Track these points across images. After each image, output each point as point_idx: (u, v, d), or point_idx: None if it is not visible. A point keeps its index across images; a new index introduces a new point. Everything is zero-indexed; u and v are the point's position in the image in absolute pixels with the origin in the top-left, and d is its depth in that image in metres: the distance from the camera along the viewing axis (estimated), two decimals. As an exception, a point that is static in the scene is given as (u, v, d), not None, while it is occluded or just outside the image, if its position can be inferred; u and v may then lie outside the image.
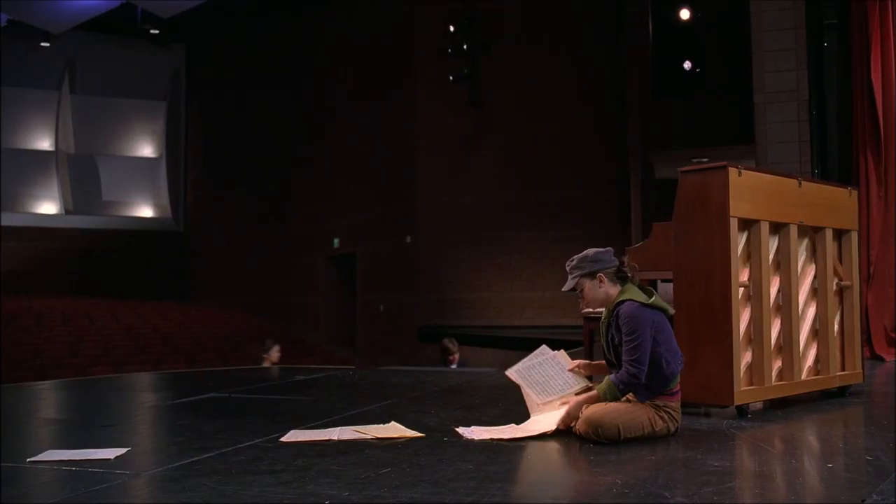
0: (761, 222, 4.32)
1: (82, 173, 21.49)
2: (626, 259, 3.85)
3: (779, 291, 4.51)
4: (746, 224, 4.30)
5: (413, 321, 15.25)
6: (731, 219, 4.10)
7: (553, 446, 3.51)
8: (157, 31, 19.16)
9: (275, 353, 8.60)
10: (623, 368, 3.59)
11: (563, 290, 3.87)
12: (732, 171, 4.13)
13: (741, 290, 4.25)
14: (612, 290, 3.78)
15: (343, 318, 17.79)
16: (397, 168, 16.15)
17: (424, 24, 15.49)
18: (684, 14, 12.68)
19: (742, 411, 4.14)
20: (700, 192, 4.21)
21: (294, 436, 3.76)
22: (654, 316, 3.69)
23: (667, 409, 3.64)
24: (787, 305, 4.50)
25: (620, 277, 3.79)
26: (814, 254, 4.80)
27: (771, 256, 4.46)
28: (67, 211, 21.30)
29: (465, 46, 14.37)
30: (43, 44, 19.49)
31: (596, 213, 13.42)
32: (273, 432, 3.83)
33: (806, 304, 4.71)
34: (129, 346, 13.97)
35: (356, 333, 17.43)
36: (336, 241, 17.98)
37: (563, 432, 3.66)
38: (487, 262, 14.68)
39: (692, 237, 4.22)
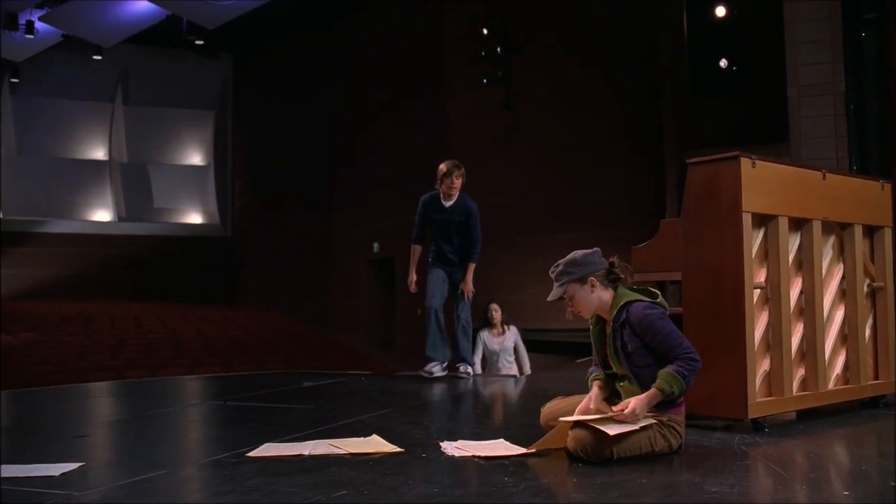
0: (779, 217, 3.83)
1: (134, 181, 21.60)
2: (615, 260, 3.40)
3: (801, 293, 4.01)
4: (762, 220, 3.81)
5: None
6: (743, 214, 3.62)
7: (536, 466, 3.08)
8: (202, 42, 19.11)
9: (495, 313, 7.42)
10: (676, 360, 3.11)
11: (549, 299, 3.42)
12: (745, 162, 3.65)
13: (757, 291, 3.76)
14: (605, 294, 3.33)
15: (383, 322, 17.47)
16: (432, 171, 15.78)
17: (457, 28, 15.11)
18: (720, 11, 12.06)
19: (758, 425, 3.66)
20: (710, 186, 3.74)
21: (265, 450, 3.39)
22: (665, 314, 3.27)
23: (670, 424, 3.19)
24: (810, 308, 3.99)
25: (612, 280, 3.34)
26: (841, 252, 4.28)
27: (792, 255, 3.97)
28: (120, 218, 21.42)
29: (497, 49, 13.94)
30: (95, 57, 19.61)
31: (630, 214, 12.86)
32: (247, 445, 3.47)
33: (833, 306, 4.20)
34: (170, 350, 13.85)
35: (396, 337, 17.10)
36: (376, 245, 17.70)
37: (554, 450, 3.23)
38: (522, 265, 14.20)
39: (702, 234, 3.75)
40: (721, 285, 3.66)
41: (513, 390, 5.91)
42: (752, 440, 3.46)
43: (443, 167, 6.10)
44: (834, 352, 4.17)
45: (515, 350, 7.22)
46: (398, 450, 3.35)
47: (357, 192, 18.30)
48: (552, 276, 3.38)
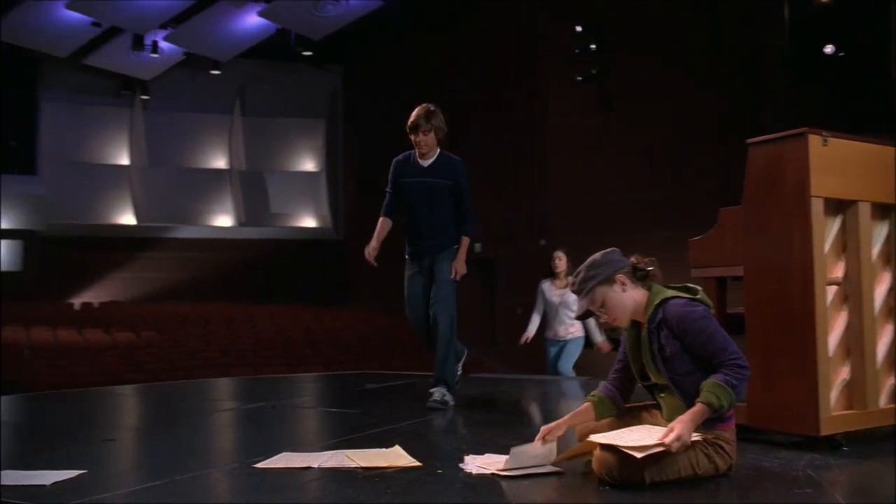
0: (860, 203, 3.22)
1: (252, 188, 22.10)
2: (637, 256, 2.90)
3: (890, 291, 3.37)
4: (839, 206, 3.22)
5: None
6: (812, 199, 3.05)
7: (556, 488, 2.64)
8: (310, 54, 19.33)
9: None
10: (722, 368, 2.60)
11: (576, 314, 2.95)
12: (814, 140, 3.07)
13: (832, 288, 3.17)
14: (638, 293, 2.84)
15: (484, 322, 17.12)
16: (530, 171, 15.32)
17: (551, 26, 14.56)
18: (826, -7, 11.01)
19: (834, 444, 3.06)
20: (773, 168, 3.18)
21: (276, 461, 3.09)
22: (709, 312, 2.75)
23: (716, 442, 2.67)
24: (901, 308, 3.35)
25: (641, 278, 2.84)
26: (942, 243, 3.59)
27: (877, 247, 3.34)
28: (240, 223, 21.95)
29: (592, 47, 13.30)
30: (214, 72, 20.20)
31: (733, 210, 11.97)
32: (265, 453, 3.18)
33: (932, 306, 3.52)
34: (277, 349, 13.97)
35: (497, 337, 16.71)
36: (478, 245, 17.39)
37: (580, 469, 2.78)
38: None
39: (765, 224, 3.20)
40: (788, 281, 3.10)
41: (578, 392, 5.41)
42: (823, 462, 2.88)
43: (411, 116, 4.61)
44: (934, 358, 3.49)
45: None
46: (415, 464, 2.98)
47: (458, 194, 18.02)
48: (573, 289, 2.92)
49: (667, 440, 2.52)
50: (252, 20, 17.98)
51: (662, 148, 13.10)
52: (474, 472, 2.85)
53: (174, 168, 21.41)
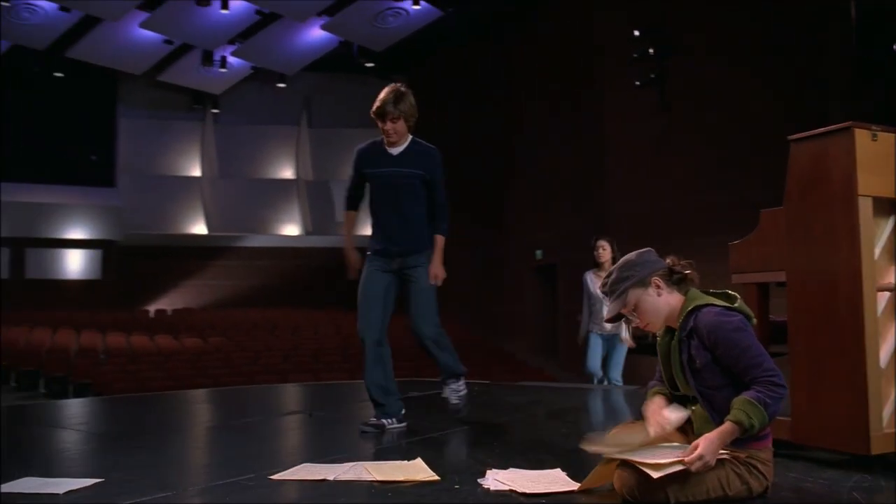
0: (914, 203, 2.93)
1: (318, 198, 22.33)
2: (673, 258, 2.67)
3: (952, 298, 3.06)
4: (890, 206, 2.93)
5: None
6: (859, 198, 2.78)
7: (574, 508, 2.45)
8: (372, 65, 19.43)
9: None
10: (755, 384, 2.37)
11: (605, 319, 2.75)
12: (861, 134, 2.81)
13: (885, 295, 2.89)
14: (673, 298, 2.61)
15: (546, 329, 16.85)
16: (589, 176, 15.01)
17: (608, 31, 14.24)
18: (898, -13, 10.44)
19: (888, 464, 2.78)
20: (817, 166, 2.92)
21: (294, 472, 2.99)
22: (746, 323, 2.51)
23: (750, 462, 2.44)
24: (964, 317, 3.04)
25: (677, 281, 2.62)
26: None
27: (936, 250, 3.04)
28: (307, 232, 22.19)
29: (650, 50, 12.94)
30: (280, 85, 20.51)
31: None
32: (287, 464, 3.09)
33: None
34: (338, 355, 14.00)
35: (559, 344, 16.42)
36: (539, 252, 17.15)
37: (606, 487, 2.58)
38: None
39: (809, 226, 2.94)
40: (834, 288, 2.84)
41: (623, 402, 5.16)
42: (872, 484, 2.62)
43: (377, 101, 4.04)
44: None
45: None
46: (433, 478, 2.84)
47: (519, 201, 17.88)
48: (604, 291, 2.71)
49: (688, 458, 2.31)
50: (315, 34, 18.19)
51: (723, 151, 12.64)
52: (492, 488, 2.69)
53: (244, 179, 21.81)
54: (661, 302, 2.62)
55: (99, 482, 2.85)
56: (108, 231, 20.09)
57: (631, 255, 2.67)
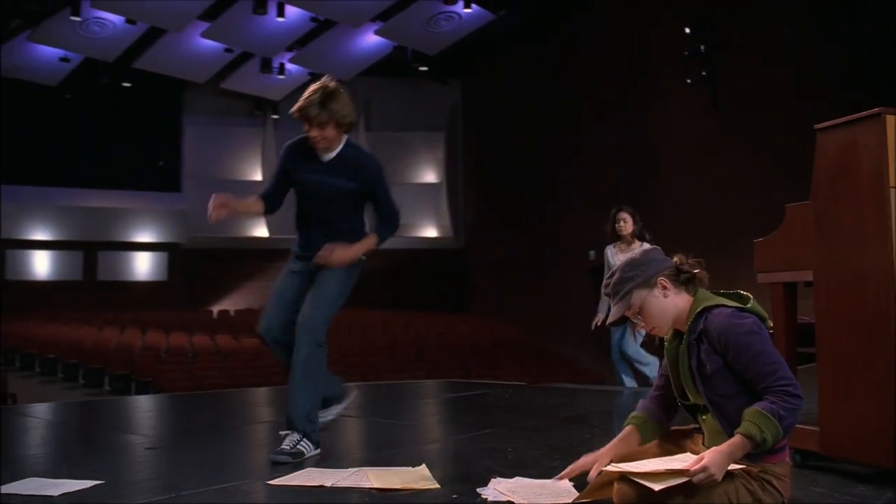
0: (954, 195, 2.64)
1: (377, 201, 22.43)
2: (681, 257, 2.44)
3: None
4: (928, 199, 2.65)
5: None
6: (891, 191, 2.52)
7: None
8: (426, 69, 19.40)
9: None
10: (769, 395, 2.14)
11: (609, 322, 2.54)
12: (893, 121, 2.55)
13: (921, 296, 2.61)
14: (681, 299, 2.39)
15: (597, 330, 16.52)
16: (641, 175, 14.65)
17: (659, 28, 13.86)
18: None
19: (924, 479, 2.51)
20: (845, 157, 2.67)
21: (294, 478, 2.88)
22: (760, 326, 2.28)
23: (763, 477, 2.21)
24: None
25: (685, 281, 2.40)
26: None
27: (982, 246, 2.74)
28: (365, 234, 22.33)
29: (701, 48, 12.51)
30: (335, 89, 20.64)
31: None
32: (290, 469, 2.98)
33: None
34: (386, 355, 13.96)
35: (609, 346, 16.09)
36: (592, 252, 16.84)
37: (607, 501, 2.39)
38: (734, 271, 12.60)
39: (837, 221, 2.69)
40: (863, 287, 2.58)
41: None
42: (905, 501, 2.36)
43: (299, 101, 3.28)
44: None
45: None
46: (433, 486, 2.69)
47: (573, 201, 17.60)
48: (606, 293, 2.50)
49: (695, 469, 2.10)
50: (370, 39, 18.25)
51: (775, 149, 12.13)
52: (491, 498, 2.53)
53: (303, 182, 22.08)
54: (668, 303, 2.40)
55: (98, 484, 2.79)
56: (175, 234, 20.55)
57: (636, 254, 2.46)
